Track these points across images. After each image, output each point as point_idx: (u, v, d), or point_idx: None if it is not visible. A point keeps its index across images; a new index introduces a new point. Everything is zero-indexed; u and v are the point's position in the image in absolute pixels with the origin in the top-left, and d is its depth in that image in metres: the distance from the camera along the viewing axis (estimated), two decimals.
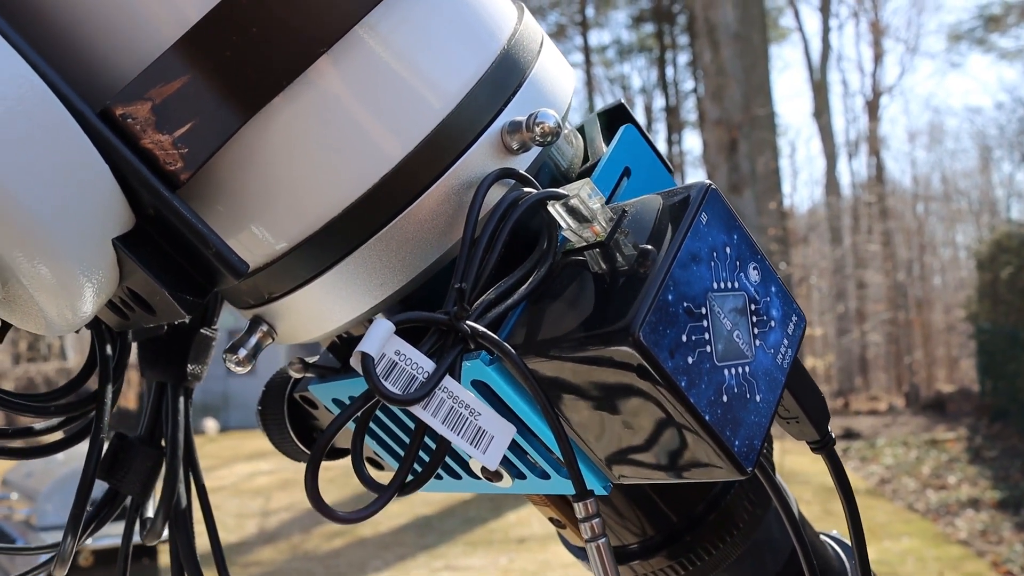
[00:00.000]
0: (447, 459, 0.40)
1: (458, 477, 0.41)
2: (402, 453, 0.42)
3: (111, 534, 0.52)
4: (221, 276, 0.32)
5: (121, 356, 0.47)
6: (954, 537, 5.09)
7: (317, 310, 0.36)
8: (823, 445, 0.43)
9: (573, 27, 17.59)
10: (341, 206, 0.33)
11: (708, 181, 0.35)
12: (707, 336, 0.33)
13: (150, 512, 0.47)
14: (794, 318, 0.37)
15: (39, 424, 0.47)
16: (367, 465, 0.39)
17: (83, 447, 0.47)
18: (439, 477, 0.42)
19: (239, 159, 0.33)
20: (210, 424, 11.83)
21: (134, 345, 0.48)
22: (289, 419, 0.49)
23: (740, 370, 0.34)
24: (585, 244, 0.35)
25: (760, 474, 0.40)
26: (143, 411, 0.48)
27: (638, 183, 0.40)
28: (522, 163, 0.36)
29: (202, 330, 0.48)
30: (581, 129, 0.44)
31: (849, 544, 0.51)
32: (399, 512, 5.95)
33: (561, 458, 0.35)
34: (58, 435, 0.48)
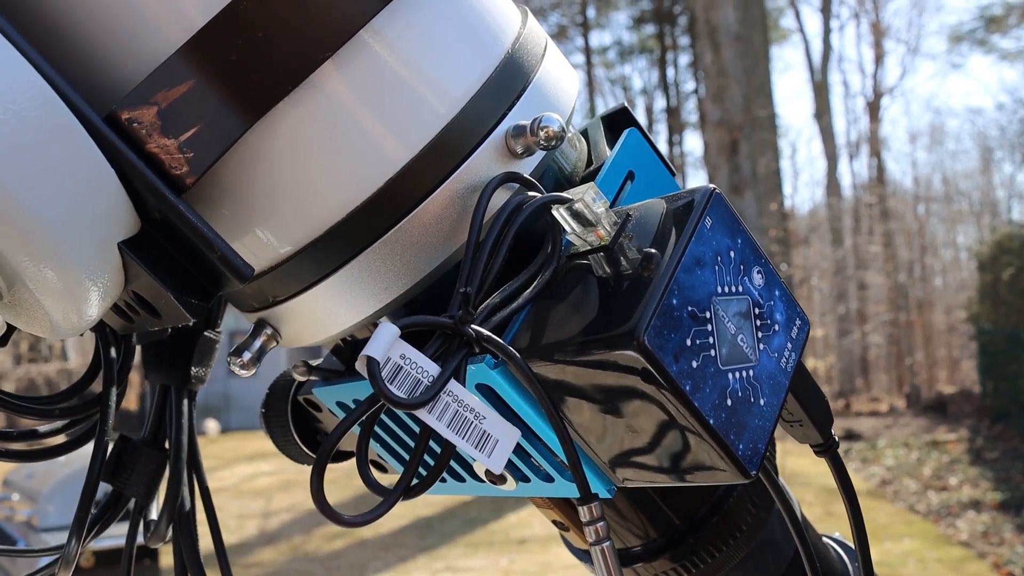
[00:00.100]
0: (451, 462, 0.40)
1: (462, 480, 0.41)
2: (407, 457, 0.42)
3: (113, 534, 0.52)
4: (226, 280, 0.32)
5: (125, 359, 0.47)
6: (955, 538, 5.09)
7: (322, 314, 0.36)
8: (827, 448, 0.43)
9: (574, 28, 17.61)
10: (346, 210, 0.33)
11: (712, 185, 0.35)
12: (711, 340, 0.33)
13: (154, 514, 0.47)
14: (798, 322, 0.37)
15: (43, 427, 0.46)
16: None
17: (85, 449, 0.47)
18: (443, 480, 0.42)
19: (244, 163, 0.33)
20: (211, 425, 11.83)
21: (138, 348, 0.48)
22: (293, 422, 0.49)
23: (744, 374, 0.34)
24: (589, 248, 0.35)
25: (763, 477, 0.40)
26: (146, 414, 0.48)
27: (642, 187, 0.40)
28: (526, 167, 0.36)
29: (206, 333, 0.48)
30: (584, 132, 0.44)
31: (851, 546, 0.51)
32: (400, 513, 5.94)
33: (565, 461, 0.35)
34: (61, 438, 0.48)
